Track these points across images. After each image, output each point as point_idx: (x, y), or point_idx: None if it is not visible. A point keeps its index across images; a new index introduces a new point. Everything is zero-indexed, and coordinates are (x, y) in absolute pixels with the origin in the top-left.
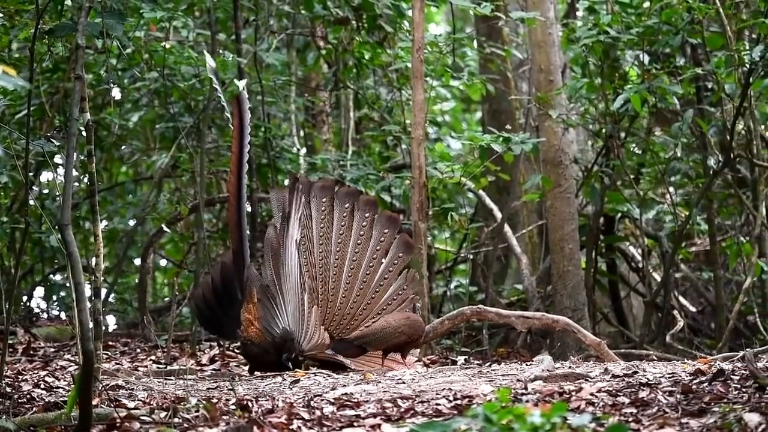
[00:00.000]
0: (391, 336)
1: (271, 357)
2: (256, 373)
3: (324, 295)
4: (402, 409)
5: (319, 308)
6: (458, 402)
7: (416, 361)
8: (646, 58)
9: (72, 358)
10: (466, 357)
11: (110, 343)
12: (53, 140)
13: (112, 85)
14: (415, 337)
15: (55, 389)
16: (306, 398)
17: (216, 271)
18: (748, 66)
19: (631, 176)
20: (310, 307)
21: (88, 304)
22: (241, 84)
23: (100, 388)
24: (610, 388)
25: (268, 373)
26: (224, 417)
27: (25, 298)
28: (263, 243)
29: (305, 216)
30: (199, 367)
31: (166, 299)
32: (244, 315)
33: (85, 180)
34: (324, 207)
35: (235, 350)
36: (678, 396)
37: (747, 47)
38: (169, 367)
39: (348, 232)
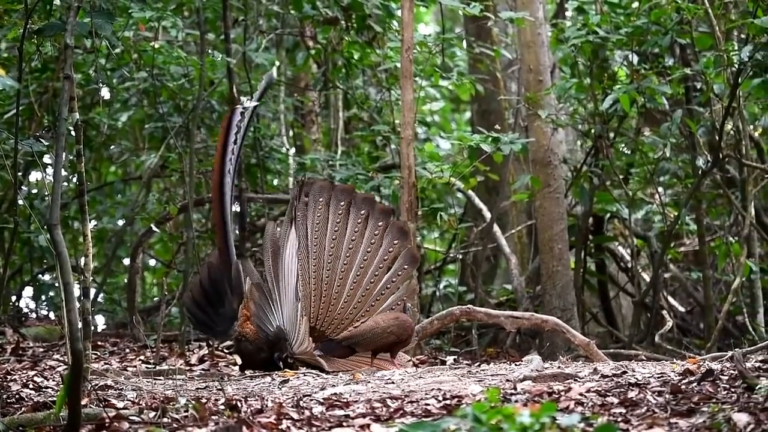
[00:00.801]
0: (379, 336)
1: (264, 355)
2: (245, 372)
3: (327, 297)
4: (391, 409)
5: (317, 312)
6: (447, 402)
7: (408, 361)
8: (635, 59)
9: (61, 358)
10: (456, 357)
11: (99, 343)
12: (42, 140)
13: (101, 85)
14: (404, 337)
15: (43, 389)
16: (295, 398)
17: (204, 272)
18: (736, 66)
19: (620, 176)
20: (303, 315)
21: (77, 304)
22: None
23: (89, 388)
24: (599, 388)
25: (258, 373)
26: (213, 417)
27: (14, 297)
28: (263, 239)
29: (322, 217)
30: (188, 367)
31: (155, 299)
32: (242, 311)
33: (74, 180)
34: (341, 210)
35: (225, 350)
36: (667, 396)
37: (736, 47)
38: (158, 367)
39: (360, 238)
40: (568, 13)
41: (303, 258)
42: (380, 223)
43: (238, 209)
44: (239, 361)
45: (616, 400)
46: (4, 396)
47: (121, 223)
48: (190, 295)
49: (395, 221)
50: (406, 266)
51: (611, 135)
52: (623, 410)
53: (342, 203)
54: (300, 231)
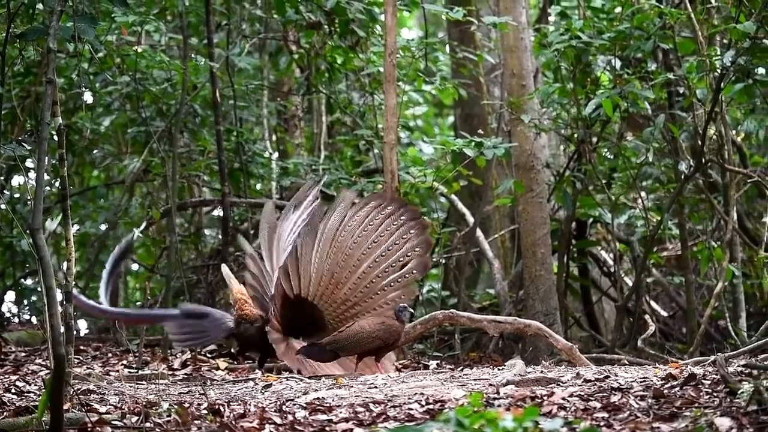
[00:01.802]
0: (365, 341)
1: (263, 334)
2: (227, 378)
3: (336, 278)
4: (374, 414)
5: (324, 289)
6: (430, 406)
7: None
8: (618, 63)
9: (43, 363)
10: (439, 361)
11: (82, 347)
12: (25, 144)
13: (83, 89)
14: (390, 341)
15: (26, 394)
16: (278, 403)
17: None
18: (719, 71)
19: (603, 181)
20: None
21: (60, 309)
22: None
23: (71, 392)
24: (582, 393)
25: (240, 377)
26: (196, 422)
27: None
28: (261, 216)
29: (363, 214)
30: (170, 372)
31: (138, 304)
32: (237, 296)
33: (57, 184)
34: (384, 212)
35: (207, 354)
36: (649, 400)
37: (718, 52)
38: (140, 372)
39: (388, 237)
40: (551, 18)
41: (326, 242)
42: (412, 231)
43: (222, 214)
44: (236, 347)
45: (598, 405)
46: None
47: (103, 227)
48: (177, 338)
49: (426, 236)
50: (414, 271)
51: (594, 140)
52: (606, 415)
53: (389, 208)
54: (334, 218)
